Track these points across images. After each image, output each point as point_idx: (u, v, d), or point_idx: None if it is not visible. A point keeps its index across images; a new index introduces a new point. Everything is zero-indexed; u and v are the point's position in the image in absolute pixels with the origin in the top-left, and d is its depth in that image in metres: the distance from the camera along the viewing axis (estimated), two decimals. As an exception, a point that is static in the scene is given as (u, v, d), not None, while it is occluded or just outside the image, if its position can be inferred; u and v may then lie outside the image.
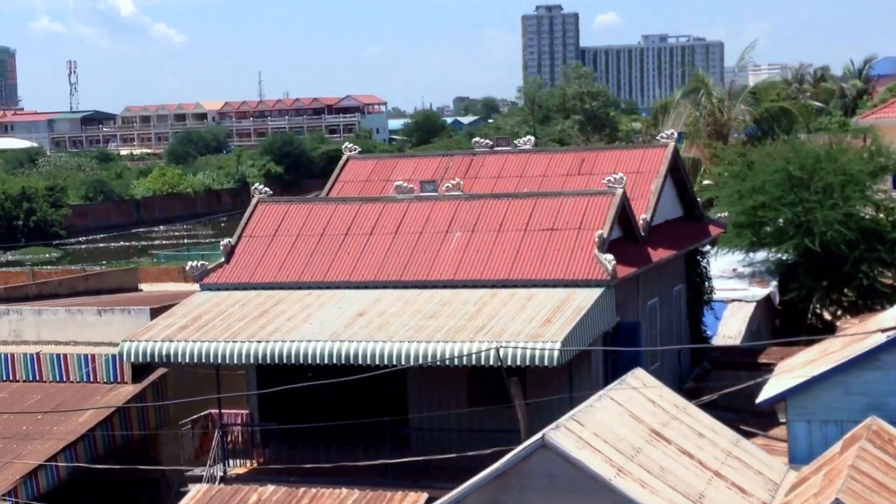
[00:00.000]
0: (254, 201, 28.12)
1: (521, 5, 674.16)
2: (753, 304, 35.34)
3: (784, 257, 37.34)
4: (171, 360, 23.89)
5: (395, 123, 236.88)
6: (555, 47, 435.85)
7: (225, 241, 27.24)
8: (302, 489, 21.54)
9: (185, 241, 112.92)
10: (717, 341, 33.02)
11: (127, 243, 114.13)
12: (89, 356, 26.28)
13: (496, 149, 31.25)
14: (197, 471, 25.80)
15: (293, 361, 23.04)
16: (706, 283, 33.07)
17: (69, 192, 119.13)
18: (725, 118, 55.53)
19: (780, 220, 37.02)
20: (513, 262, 25.01)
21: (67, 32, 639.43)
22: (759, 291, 36.49)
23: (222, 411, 26.12)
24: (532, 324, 22.30)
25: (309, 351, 22.88)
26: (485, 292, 24.39)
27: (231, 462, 25.61)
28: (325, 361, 22.82)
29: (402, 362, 22.10)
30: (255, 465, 25.79)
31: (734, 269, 38.84)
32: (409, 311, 23.88)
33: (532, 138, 32.63)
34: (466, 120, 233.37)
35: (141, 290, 36.52)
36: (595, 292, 23.55)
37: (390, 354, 22.18)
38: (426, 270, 25.39)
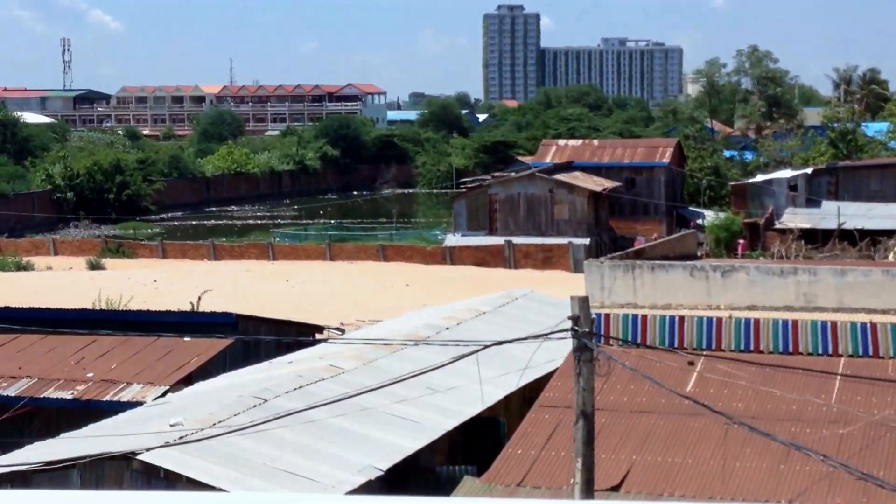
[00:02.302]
0: None
1: (479, 4, 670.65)
2: None
3: None
4: None
5: (391, 114, 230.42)
6: (516, 47, 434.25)
7: None
8: None
9: (280, 220, 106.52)
10: None
11: (218, 221, 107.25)
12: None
13: None
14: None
15: None
16: None
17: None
18: None
19: None
20: None
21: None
22: None
23: None
24: None
25: None
26: None
27: None
28: None
29: None
30: None
31: None
32: None
33: None
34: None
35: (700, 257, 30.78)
36: None
37: None
38: None
